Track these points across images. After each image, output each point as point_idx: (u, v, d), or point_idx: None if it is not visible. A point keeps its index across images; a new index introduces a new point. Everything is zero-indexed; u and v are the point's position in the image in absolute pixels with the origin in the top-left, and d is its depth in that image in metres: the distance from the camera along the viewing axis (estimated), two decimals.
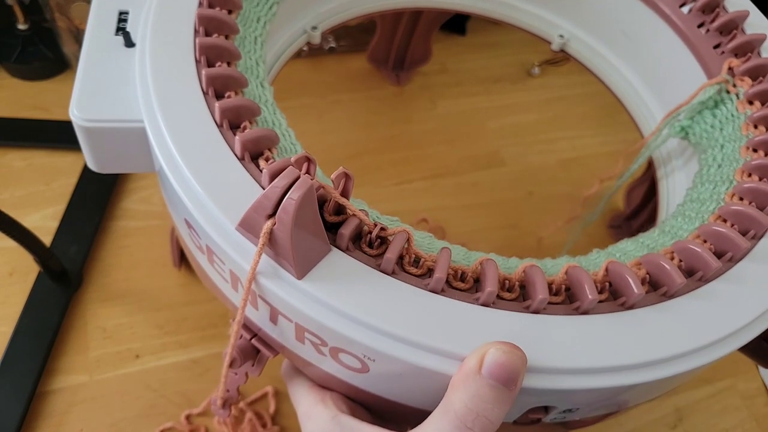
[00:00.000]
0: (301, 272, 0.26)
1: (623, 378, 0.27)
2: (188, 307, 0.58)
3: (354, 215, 0.27)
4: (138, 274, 0.59)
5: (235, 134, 0.30)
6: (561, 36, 0.55)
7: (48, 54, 0.72)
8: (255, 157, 0.30)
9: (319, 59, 0.81)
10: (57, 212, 0.62)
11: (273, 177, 0.25)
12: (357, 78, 0.81)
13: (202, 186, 0.28)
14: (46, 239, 0.58)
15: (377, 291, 0.27)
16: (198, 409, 0.52)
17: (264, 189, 0.28)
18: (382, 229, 0.28)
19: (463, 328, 0.26)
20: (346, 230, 0.27)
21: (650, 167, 0.49)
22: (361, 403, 0.32)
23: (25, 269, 0.57)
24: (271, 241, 0.26)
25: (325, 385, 0.31)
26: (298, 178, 0.25)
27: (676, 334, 0.28)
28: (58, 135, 0.67)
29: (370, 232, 0.28)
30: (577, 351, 0.27)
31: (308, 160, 0.26)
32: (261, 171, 0.29)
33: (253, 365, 0.30)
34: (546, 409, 0.29)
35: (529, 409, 0.29)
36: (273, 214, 0.25)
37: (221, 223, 0.28)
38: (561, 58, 0.58)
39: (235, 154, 0.30)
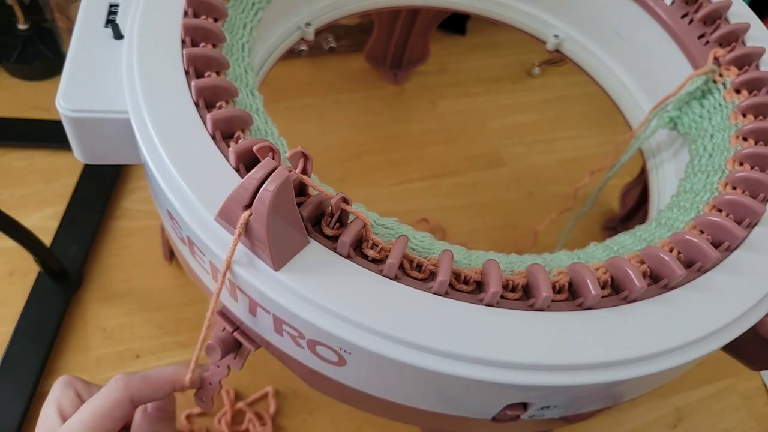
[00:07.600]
0: (278, 263, 0.26)
1: (585, 376, 0.27)
2: (188, 307, 0.58)
3: (318, 194, 0.27)
4: (138, 274, 0.60)
5: (228, 145, 0.30)
6: (556, 36, 0.55)
7: (48, 54, 0.73)
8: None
9: (319, 59, 0.81)
10: (57, 212, 0.62)
11: (239, 158, 0.25)
12: (357, 78, 0.80)
13: (182, 177, 0.29)
14: (46, 239, 0.58)
15: (352, 283, 0.27)
16: (198, 409, 0.52)
17: (233, 166, 0.28)
18: (345, 200, 0.27)
19: (436, 321, 0.26)
20: (305, 211, 0.27)
21: (644, 171, 0.50)
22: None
23: (25, 269, 0.57)
24: (248, 231, 0.26)
25: (305, 379, 0.31)
26: (275, 169, 0.25)
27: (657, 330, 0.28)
28: (58, 135, 0.65)
29: (332, 214, 0.28)
30: (541, 347, 0.27)
31: (271, 150, 0.26)
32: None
33: (235, 358, 0.30)
34: (525, 406, 0.29)
35: (506, 405, 0.29)
36: (250, 205, 0.25)
37: (201, 213, 0.28)
38: (561, 58, 0.57)
39: (219, 147, 0.30)
